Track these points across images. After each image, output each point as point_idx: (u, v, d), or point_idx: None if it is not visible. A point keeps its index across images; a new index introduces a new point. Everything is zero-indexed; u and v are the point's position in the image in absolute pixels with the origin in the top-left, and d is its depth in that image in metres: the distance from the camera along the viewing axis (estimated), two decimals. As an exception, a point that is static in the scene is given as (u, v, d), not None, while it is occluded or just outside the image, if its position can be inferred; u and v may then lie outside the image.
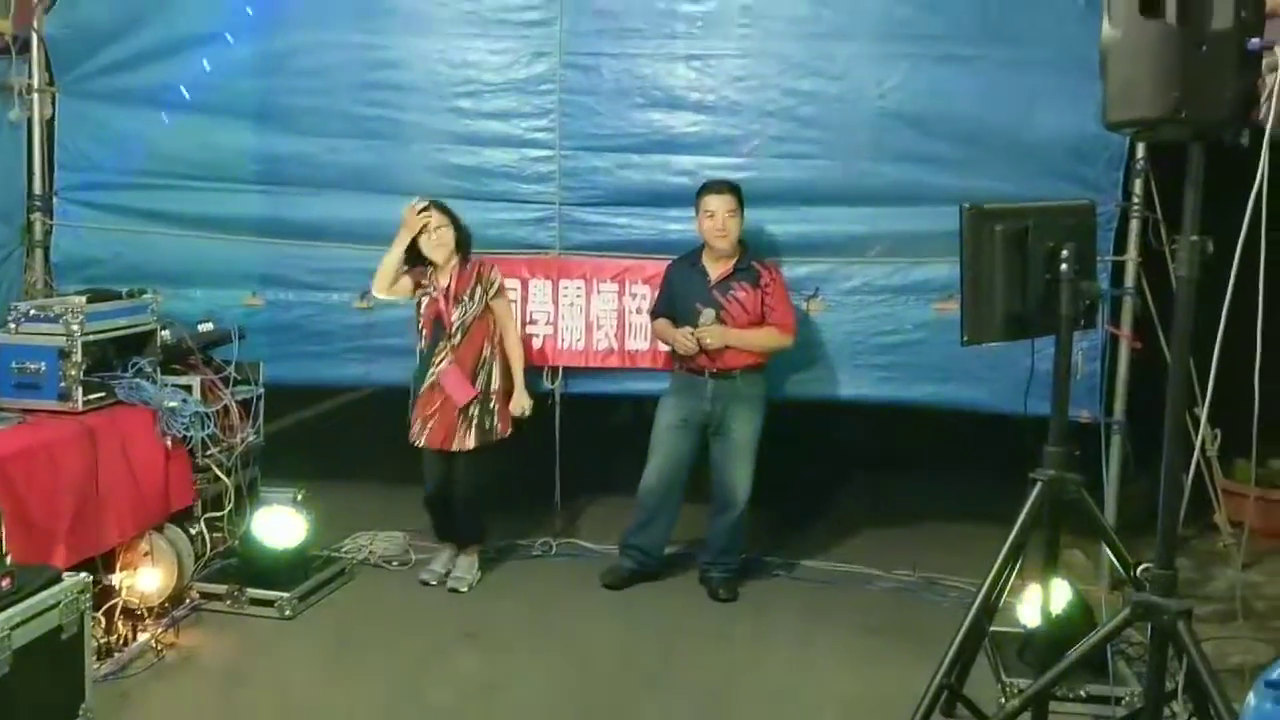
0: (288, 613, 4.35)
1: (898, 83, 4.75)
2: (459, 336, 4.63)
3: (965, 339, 3.00)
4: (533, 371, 5.01)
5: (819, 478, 6.51)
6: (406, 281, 4.68)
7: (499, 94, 5.00)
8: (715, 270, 4.67)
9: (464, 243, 4.69)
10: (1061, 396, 3.06)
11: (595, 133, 4.99)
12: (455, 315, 4.62)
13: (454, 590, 4.73)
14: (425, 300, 4.69)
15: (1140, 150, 4.54)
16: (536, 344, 5.14)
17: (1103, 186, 4.59)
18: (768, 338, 4.65)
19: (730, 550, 4.79)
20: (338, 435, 7.37)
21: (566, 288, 5.12)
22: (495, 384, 4.69)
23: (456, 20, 4.98)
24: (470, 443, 4.63)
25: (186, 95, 5.14)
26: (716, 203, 4.58)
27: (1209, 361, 2.70)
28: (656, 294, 4.89)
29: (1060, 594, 3.62)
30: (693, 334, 4.56)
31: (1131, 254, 4.64)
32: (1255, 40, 2.43)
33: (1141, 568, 2.78)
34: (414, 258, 4.64)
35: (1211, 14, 2.43)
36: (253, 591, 4.39)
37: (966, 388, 4.84)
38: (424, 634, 4.33)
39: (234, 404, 4.62)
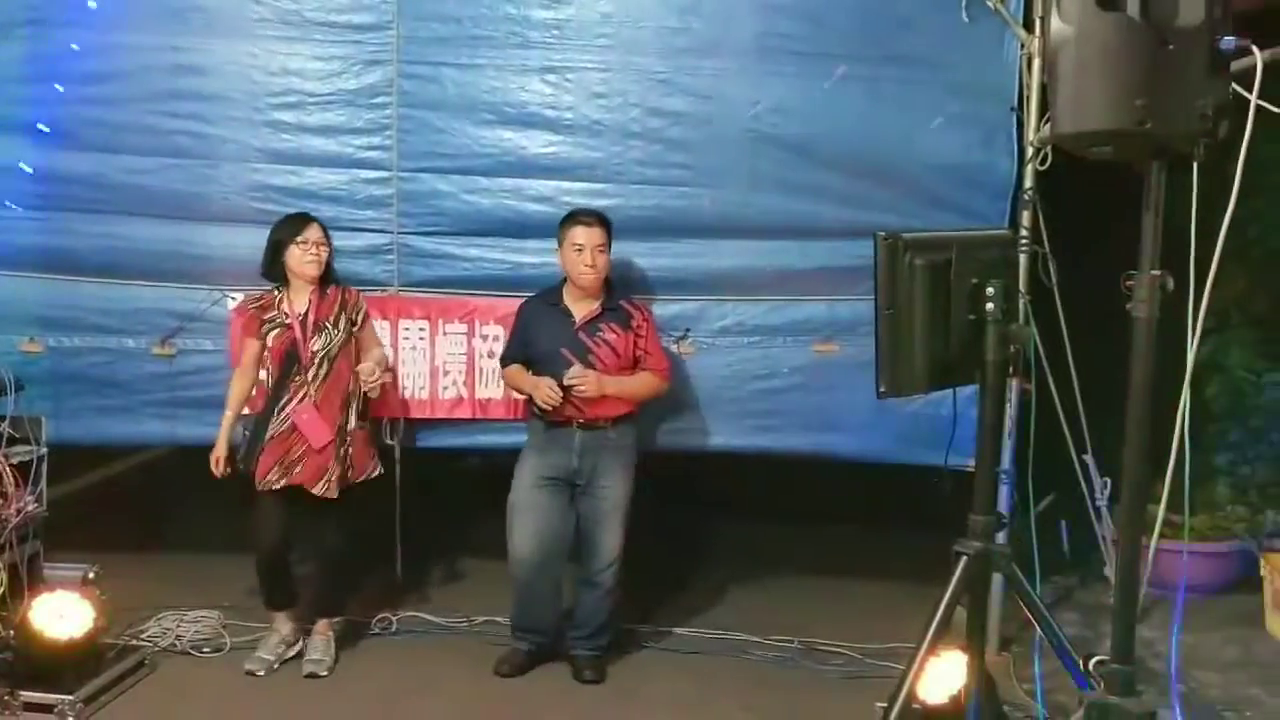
0: (70, 718, 3.71)
1: (774, 104, 4.32)
2: (323, 369, 4.07)
3: (882, 390, 2.56)
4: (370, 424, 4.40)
5: (682, 530, 6.01)
6: (253, 345, 4.15)
7: (325, 107, 4.40)
8: (580, 311, 4.16)
9: (330, 265, 4.18)
10: (987, 455, 2.65)
11: (438, 152, 4.43)
12: (316, 346, 4.06)
13: (314, 675, 4.14)
14: (274, 332, 4.09)
15: (1029, 178, 4.24)
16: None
17: (989, 217, 4.25)
18: (646, 385, 4.18)
19: (602, 628, 4.25)
20: (139, 498, 6.47)
21: (407, 329, 4.55)
22: (352, 423, 4.15)
23: (272, 20, 4.35)
24: (334, 490, 4.07)
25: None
26: (585, 235, 4.07)
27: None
28: (508, 337, 4.35)
29: (957, 666, 3.23)
30: (570, 379, 4.02)
31: (1021, 290, 4.34)
32: (1229, 39, 2.05)
33: (1095, 660, 2.37)
34: (275, 274, 4.14)
35: (1178, 7, 2.05)
36: (27, 695, 3.75)
37: (849, 437, 4.45)
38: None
39: (8, 468, 3.99)
